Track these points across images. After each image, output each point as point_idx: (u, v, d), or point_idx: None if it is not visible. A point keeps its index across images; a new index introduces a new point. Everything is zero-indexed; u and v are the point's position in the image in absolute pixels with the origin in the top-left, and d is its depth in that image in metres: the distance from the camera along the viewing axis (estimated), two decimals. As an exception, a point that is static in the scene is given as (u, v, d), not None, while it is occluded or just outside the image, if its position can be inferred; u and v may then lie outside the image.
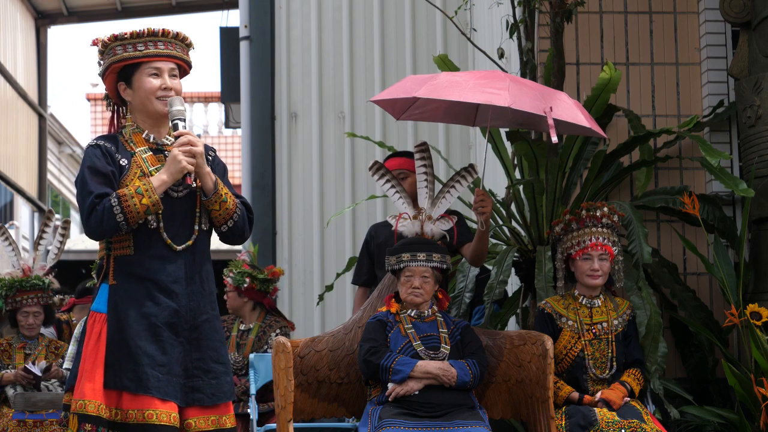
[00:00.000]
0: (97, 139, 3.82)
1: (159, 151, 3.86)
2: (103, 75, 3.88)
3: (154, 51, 3.83)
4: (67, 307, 7.08)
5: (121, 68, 3.84)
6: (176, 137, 3.80)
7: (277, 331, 6.30)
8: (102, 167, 3.73)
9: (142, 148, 3.82)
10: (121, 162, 3.77)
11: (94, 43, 3.90)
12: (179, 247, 3.77)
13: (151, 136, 3.86)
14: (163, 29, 3.84)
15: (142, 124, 3.87)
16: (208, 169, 3.82)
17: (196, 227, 3.83)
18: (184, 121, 3.83)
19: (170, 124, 3.85)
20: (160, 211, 3.74)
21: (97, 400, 3.63)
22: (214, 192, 3.81)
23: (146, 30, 3.82)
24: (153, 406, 3.66)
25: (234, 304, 6.42)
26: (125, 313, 3.70)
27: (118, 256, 3.77)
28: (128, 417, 3.66)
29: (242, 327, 6.38)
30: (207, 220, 3.87)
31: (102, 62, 3.88)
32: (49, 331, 6.96)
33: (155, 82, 3.82)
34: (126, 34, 3.82)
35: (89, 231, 3.73)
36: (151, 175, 3.77)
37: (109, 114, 3.96)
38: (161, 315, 3.72)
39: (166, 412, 3.67)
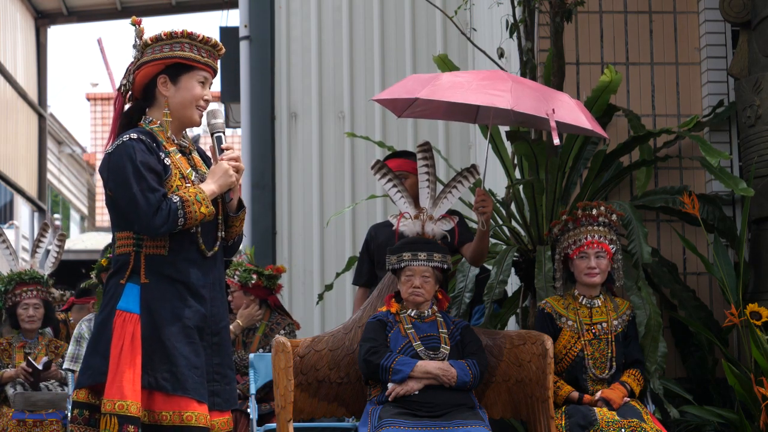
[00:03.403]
0: (137, 132, 3.76)
1: (183, 153, 3.87)
2: (152, 60, 3.81)
3: (211, 62, 3.86)
4: (66, 306, 7.10)
5: (173, 63, 3.81)
6: (221, 150, 3.82)
7: (282, 331, 6.30)
8: (154, 164, 3.72)
9: (173, 149, 3.82)
10: (165, 161, 3.76)
11: (137, 22, 3.85)
12: (210, 253, 3.80)
13: (174, 137, 3.86)
14: (221, 44, 3.89)
15: (167, 124, 3.84)
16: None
17: (219, 234, 3.86)
18: (224, 134, 3.88)
19: (212, 136, 3.87)
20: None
21: (137, 401, 3.61)
22: (242, 209, 3.89)
23: (213, 39, 3.85)
24: (191, 408, 3.65)
25: (240, 302, 6.41)
26: (159, 314, 3.69)
27: (151, 255, 3.74)
28: (162, 419, 3.64)
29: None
30: (224, 229, 3.90)
31: (155, 48, 3.81)
32: (47, 331, 6.96)
33: (201, 90, 3.83)
34: (198, 36, 3.82)
35: (151, 228, 3.67)
36: (188, 178, 3.78)
37: (110, 114, 3.95)
38: (193, 318, 3.73)
39: (203, 414, 3.68)
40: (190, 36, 3.81)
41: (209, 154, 3.97)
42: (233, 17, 23.37)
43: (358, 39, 8.84)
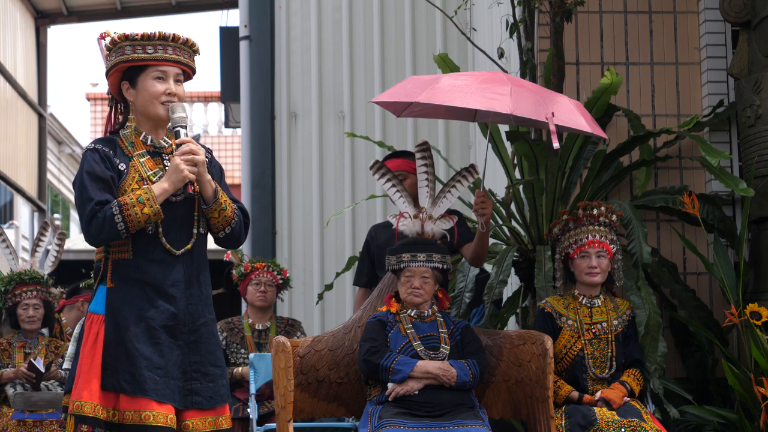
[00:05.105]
0: (95, 143, 3.82)
1: (157, 154, 3.86)
2: (108, 72, 3.87)
3: (162, 55, 3.83)
4: (58, 309, 7.09)
5: (127, 68, 3.84)
6: (178, 145, 3.80)
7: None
8: (101, 172, 3.73)
9: (140, 152, 3.82)
10: (119, 167, 3.77)
11: (102, 37, 3.89)
12: (178, 252, 3.79)
13: (149, 138, 3.86)
14: (174, 34, 3.85)
15: (141, 126, 3.87)
16: (209, 176, 3.83)
17: (195, 231, 3.84)
18: (186, 128, 3.83)
19: (171, 130, 3.84)
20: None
21: (94, 401, 3.66)
22: (214, 201, 3.83)
23: (157, 33, 3.82)
24: (150, 408, 3.68)
25: (272, 299, 6.44)
26: (123, 316, 3.72)
27: (116, 260, 3.78)
28: (125, 418, 3.68)
29: (259, 326, 6.34)
30: (205, 224, 3.88)
31: (109, 58, 3.87)
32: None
33: (160, 86, 3.82)
34: (137, 35, 3.81)
35: (89, 238, 3.73)
36: (150, 180, 3.77)
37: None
38: (159, 318, 3.73)
39: (162, 413, 3.69)
40: (127, 38, 3.82)
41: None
42: (233, 17, 23.36)
43: (358, 39, 8.85)
